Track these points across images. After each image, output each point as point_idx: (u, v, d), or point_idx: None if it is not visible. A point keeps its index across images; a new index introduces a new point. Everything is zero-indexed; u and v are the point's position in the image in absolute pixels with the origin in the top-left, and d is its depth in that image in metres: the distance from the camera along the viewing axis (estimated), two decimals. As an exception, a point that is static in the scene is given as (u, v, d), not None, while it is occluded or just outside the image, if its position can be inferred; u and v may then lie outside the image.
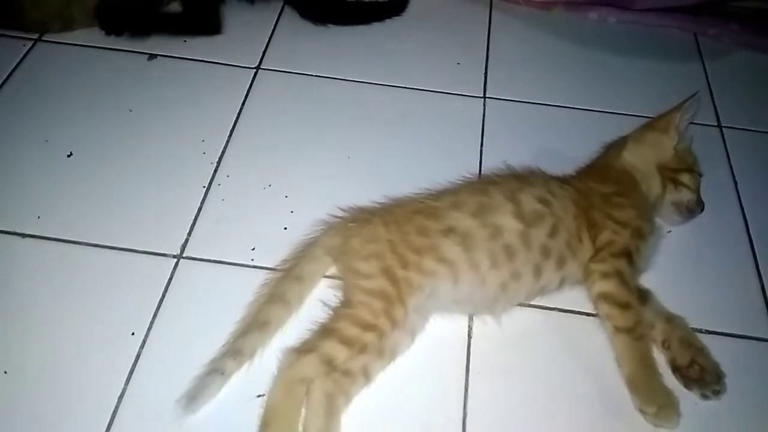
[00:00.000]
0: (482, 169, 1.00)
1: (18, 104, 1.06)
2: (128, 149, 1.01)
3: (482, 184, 0.88)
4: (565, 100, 1.14)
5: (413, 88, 1.13)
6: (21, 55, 1.13)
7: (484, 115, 1.10)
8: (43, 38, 1.16)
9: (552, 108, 1.13)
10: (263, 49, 1.18)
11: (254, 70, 1.14)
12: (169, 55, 1.15)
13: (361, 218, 0.84)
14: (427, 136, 1.07)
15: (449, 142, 1.06)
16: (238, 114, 1.07)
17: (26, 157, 0.99)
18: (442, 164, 0.98)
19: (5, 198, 0.93)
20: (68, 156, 0.99)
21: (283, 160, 1.01)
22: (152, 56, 1.15)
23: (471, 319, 0.83)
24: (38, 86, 1.09)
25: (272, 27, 1.22)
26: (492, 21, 1.28)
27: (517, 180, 0.86)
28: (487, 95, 1.13)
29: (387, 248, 0.78)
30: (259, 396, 0.74)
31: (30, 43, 1.15)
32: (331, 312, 0.78)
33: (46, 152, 0.99)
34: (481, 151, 1.04)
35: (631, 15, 1.26)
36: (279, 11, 1.25)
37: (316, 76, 1.14)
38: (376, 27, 1.25)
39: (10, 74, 1.10)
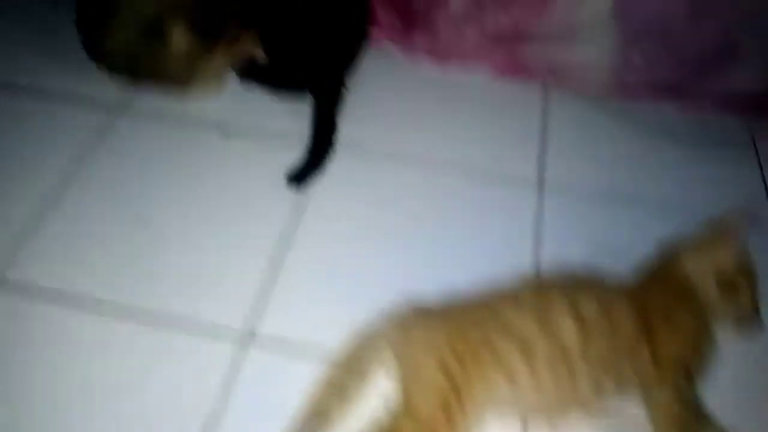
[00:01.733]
0: (538, 260, 1.02)
1: (102, 174, 1.12)
2: (202, 222, 1.06)
3: (539, 287, 0.90)
4: (622, 193, 1.14)
5: (468, 176, 1.16)
6: (105, 128, 1.18)
7: (538, 207, 1.11)
8: (123, 112, 1.21)
9: (608, 200, 1.13)
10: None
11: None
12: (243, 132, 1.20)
13: (422, 316, 0.86)
14: (481, 225, 1.09)
15: (503, 233, 1.07)
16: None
17: (114, 232, 1.04)
18: (496, 255, 1.01)
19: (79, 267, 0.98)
20: (144, 227, 1.04)
21: (345, 243, 1.05)
22: (227, 134, 1.19)
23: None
24: (123, 157, 1.15)
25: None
26: (546, 107, 1.29)
27: (575, 284, 0.87)
28: (541, 185, 1.15)
29: (450, 356, 0.79)
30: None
31: (112, 115, 1.20)
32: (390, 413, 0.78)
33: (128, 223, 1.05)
34: (535, 243, 1.05)
35: (688, 103, 1.27)
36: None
37: (387, 155, 1.18)
38: (432, 110, 1.28)
39: (92, 146, 1.16)
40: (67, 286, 0.95)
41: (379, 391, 0.83)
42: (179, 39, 1.15)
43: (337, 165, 1.15)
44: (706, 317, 0.88)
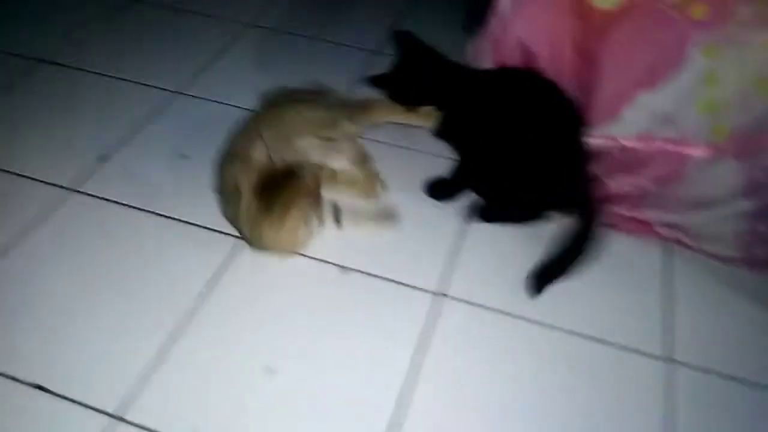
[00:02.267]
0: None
1: (220, 309, 1.15)
2: (319, 362, 1.07)
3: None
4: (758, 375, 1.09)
5: (586, 336, 1.14)
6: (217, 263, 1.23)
7: (668, 382, 1.07)
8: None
9: (740, 382, 1.08)
10: (447, 273, 1.23)
11: (434, 295, 1.19)
12: (359, 269, 1.23)
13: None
14: (600, 395, 1.06)
15: (626, 406, 1.04)
16: (422, 343, 1.11)
17: (224, 368, 1.06)
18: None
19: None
20: (269, 373, 1.06)
21: (462, 396, 1.04)
22: (344, 268, 1.23)
23: None
24: (244, 289, 1.19)
25: (453, 252, 1.27)
26: (668, 268, 1.26)
27: None
28: (669, 356, 1.11)
29: None
30: None
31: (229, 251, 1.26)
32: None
33: (246, 363, 1.07)
34: (665, 423, 1.02)
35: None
36: (459, 236, 1.30)
37: (495, 310, 1.17)
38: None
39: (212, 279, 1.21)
40: None
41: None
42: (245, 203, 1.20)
43: (452, 320, 1.15)
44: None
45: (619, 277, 1.24)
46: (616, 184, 1.28)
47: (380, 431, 0.99)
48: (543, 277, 1.19)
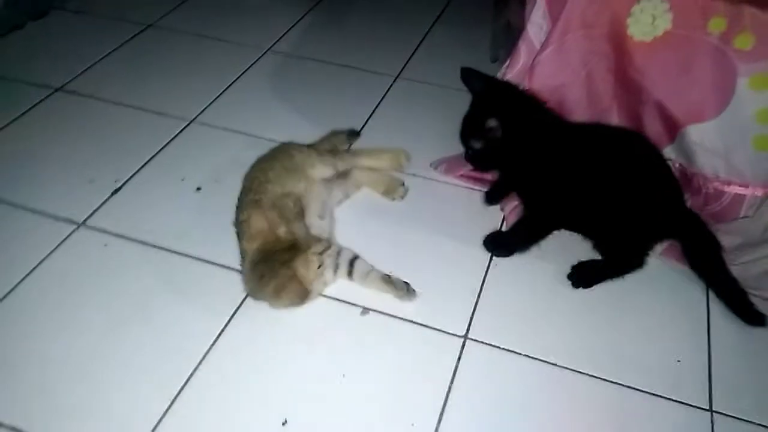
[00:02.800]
0: None
1: (233, 354, 1.09)
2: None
3: None
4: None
5: (629, 387, 1.06)
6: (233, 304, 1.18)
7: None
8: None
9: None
10: (470, 316, 1.16)
11: (462, 339, 1.12)
12: (381, 311, 1.16)
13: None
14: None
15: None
16: (449, 386, 1.05)
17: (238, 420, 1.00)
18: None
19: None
20: (283, 424, 0.99)
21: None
22: (366, 310, 1.17)
23: None
24: (258, 332, 1.13)
25: (477, 293, 1.21)
26: (711, 310, 1.18)
27: None
28: (715, 409, 1.03)
29: None
30: None
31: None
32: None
33: (260, 415, 1.01)
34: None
35: None
36: (482, 277, 1.23)
37: (521, 354, 1.10)
38: (583, 299, 1.20)
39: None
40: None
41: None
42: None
43: (475, 363, 1.09)
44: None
45: (662, 320, 1.16)
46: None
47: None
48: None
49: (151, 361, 1.07)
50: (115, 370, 1.06)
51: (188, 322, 1.13)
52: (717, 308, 1.17)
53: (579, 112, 1.26)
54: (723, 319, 1.16)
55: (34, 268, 1.20)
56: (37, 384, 1.03)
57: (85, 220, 1.30)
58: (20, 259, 1.21)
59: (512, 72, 1.25)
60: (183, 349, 1.08)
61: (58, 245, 1.25)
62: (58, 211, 1.31)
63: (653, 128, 1.19)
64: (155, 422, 0.98)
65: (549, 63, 1.20)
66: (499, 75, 1.29)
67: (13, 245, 1.24)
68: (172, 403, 1.01)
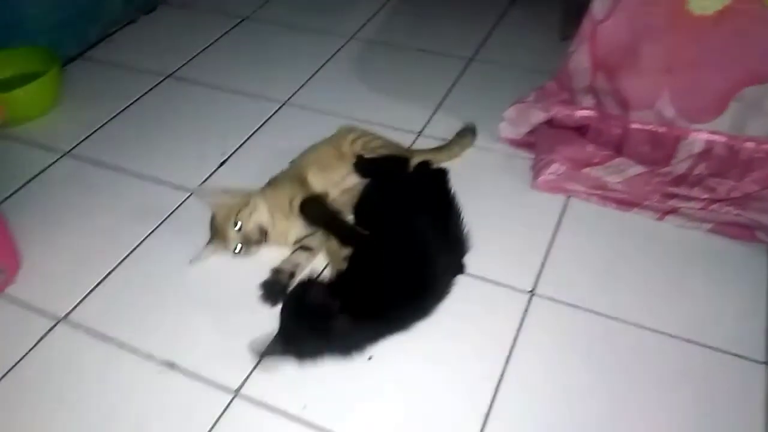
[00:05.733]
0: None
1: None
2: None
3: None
4: None
5: (689, 341, 1.14)
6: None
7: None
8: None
9: None
10: (538, 272, 1.27)
11: (529, 295, 1.23)
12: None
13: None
14: (699, 402, 1.05)
15: (723, 410, 1.04)
16: (514, 340, 1.15)
17: None
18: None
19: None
20: (369, 359, 1.14)
21: (558, 399, 1.07)
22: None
23: None
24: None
25: (546, 248, 1.31)
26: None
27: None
28: (770, 362, 1.10)
29: None
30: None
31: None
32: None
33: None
34: (766, 429, 1.01)
35: None
36: (552, 233, 1.34)
37: (586, 310, 1.19)
38: (653, 258, 1.28)
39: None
40: None
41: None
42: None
43: (541, 319, 1.19)
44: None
45: (719, 283, 1.23)
46: (718, 185, 1.27)
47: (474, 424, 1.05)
48: None
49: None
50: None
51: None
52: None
53: (632, 84, 1.34)
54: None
55: (160, 225, 1.41)
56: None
57: (201, 184, 1.52)
58: (146, 219, 1.43)
59: (578, 48, 1.35)
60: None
61: (177, 207, 1.46)
62: (175, 179, 1.53)
63: (702, 101, 1.26)
64: None
65: (608, 34, 1.29)
66: (567, 50, 1.40)
67: (140, 207, 1.46)
68: None
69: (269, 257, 1.30)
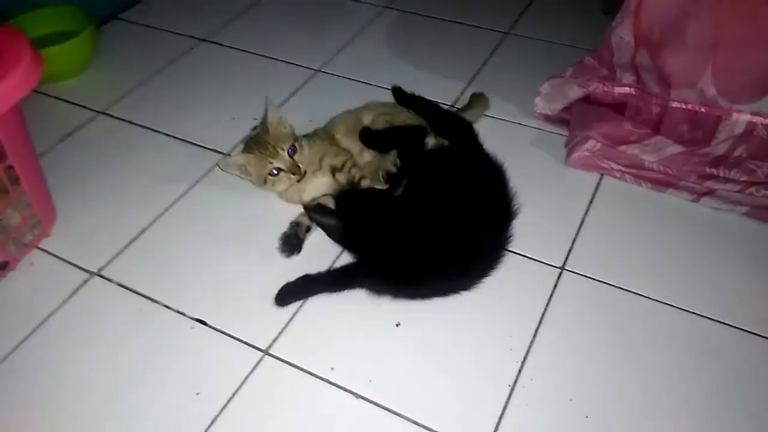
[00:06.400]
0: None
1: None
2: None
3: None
4: None
5: (720, 322, 1.13)
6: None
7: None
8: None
9: None
10: (568, 248, 1.26)
11: (559, 270, 1.23)
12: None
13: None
14: (729, 383, 1.05)
15: (758, 395, 1.03)
16: (543, 314, 1.15)
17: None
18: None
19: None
20: (397, 326, 1.14)
21: (583, 374, 1.07)
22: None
23: None
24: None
25: (578, 226, 1.30)
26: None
27: None
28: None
29: None
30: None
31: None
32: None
33: (378, 317, 1.16)
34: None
35: None
36: (584, 211, 1.33)
37: (620, 288, 1.19)
38: (686, 238, 1.27)
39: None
40: None
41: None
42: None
43: (572, 295, 1.18)
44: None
45: (752, 265, 1.21)
46: (758, 168, 1.24)
47: (509, 382, 1.05)
48: None
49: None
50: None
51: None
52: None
53: (675, 61, 1.31)
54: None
55: (193, 186, 1.43)
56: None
57: (230, 152, 1.51)
58: (179, 179, 1.44)
59: (620, 22, 1.32)
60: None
61: (210, 170, 1.47)
62: (208, 143, 1.53)
63: (747, 81, 1.23)
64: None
65: (653, 8, 1.27)
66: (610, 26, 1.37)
67: (173, 168, 1.48)
68: None
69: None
